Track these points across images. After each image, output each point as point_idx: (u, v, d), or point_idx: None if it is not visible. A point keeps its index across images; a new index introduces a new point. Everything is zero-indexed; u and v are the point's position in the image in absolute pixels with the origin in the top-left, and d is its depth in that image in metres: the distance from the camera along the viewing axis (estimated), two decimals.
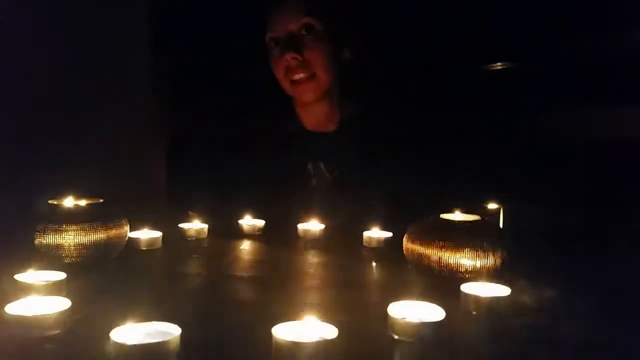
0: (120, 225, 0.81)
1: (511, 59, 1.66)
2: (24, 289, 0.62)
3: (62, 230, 0.76)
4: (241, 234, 1.06)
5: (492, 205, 1.09)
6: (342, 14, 1.28)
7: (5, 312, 0.53)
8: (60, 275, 0.66)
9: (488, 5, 1.56)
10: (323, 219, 1.05)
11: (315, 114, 1.32)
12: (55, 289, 0.63)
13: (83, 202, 0.82)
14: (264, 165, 1.27)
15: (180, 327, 0.49)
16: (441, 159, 1.35)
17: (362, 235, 0.98)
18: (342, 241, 1.01)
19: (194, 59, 1.54)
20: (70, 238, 0.76)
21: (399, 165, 1.25)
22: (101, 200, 0.84)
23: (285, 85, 1.26)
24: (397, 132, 1.30)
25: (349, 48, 1.29)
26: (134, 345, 0.46)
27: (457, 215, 0.79)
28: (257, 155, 1.29)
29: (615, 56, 1.41)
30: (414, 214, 0.81)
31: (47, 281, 0.64)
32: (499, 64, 1.70)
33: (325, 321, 0.51)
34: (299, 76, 1.22)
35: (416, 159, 1.26)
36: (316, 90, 1.25)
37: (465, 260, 0.69)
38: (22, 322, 0.52)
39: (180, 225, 1.02)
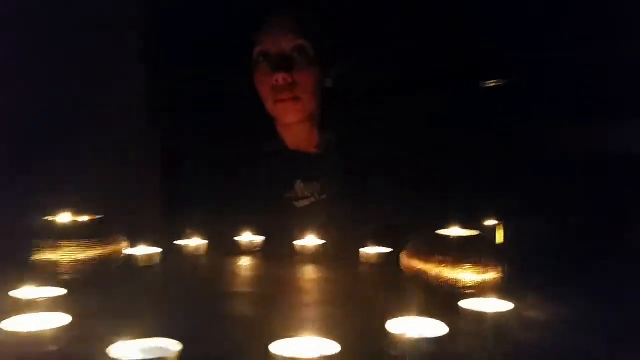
0: (118, 242, 0.81)
1: (506, 73, 1.68)
2: (20, 306, 0.62)
3: (60, 247, 0.76)
4: (239, 251, 1.05)
5: (491, 220, 1.09)
6: (331, 40, 1.28)
7: (1, 329, 0.53)
8: (58, 292, 0.65)
9: (482, 20, 1.58)
10: (318, 237, 1.05)
11: (295, 135, 1.31)
12: (52, 305, 0.63)
13: (81, 219, 0.82)
14: (253, 183, 1.26)
15: (178, 343, 0.49)
16: (435, 175, 1.35)
17: (360, 251, 0.98)
18: (339, 257, 1.01)
19: (186, 78, 1.55)
20: (67, 254, 0.75)
21: (390, 183, 1.24)
22: (99, 217, 0.83)
23: (268, 104, 1.25)
24: (385, 150, 1.30)
25: (333, 75, 1.29)
26: None
27: (455, 231, 0.79)
28: (247, 173, 1.29)
29: (618, 69, 1.41)
30: (411, 230, 0.81)
31: (44, 298, 0.64)
32: (493, 81, 1.71)
33: (325, 337, 0.50)
34: (284, 96, 1.21)
35: (408, 177, 1.26)
36: (299, 113, 1.24)
37: (464, 275, 0.69)
38: (19, 339, 0.52)
39: (178, 241, 1.01)
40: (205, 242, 1.02)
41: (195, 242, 1.01)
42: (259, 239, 1.07)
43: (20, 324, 0.54)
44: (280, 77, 1.18)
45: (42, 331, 0.52)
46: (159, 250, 0.93)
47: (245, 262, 0.99)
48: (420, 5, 1.58)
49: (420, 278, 0.73)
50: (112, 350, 0.47)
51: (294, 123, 1.26)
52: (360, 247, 0.98)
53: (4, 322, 0.54)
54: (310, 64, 1.22)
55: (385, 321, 0.55)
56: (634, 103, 1.32)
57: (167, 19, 1.52)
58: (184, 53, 1.54)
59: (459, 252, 0.70)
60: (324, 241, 1.03)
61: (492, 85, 1.71)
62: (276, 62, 1.20)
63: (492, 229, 1.03)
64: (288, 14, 1.24)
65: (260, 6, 1.33)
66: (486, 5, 1.54)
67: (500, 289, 0.69)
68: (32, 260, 0.76)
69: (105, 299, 0.74)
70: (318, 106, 1.27)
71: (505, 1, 1.53)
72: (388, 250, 0.96)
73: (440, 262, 0.70)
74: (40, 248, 0.76)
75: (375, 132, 1.33)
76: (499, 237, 1.01)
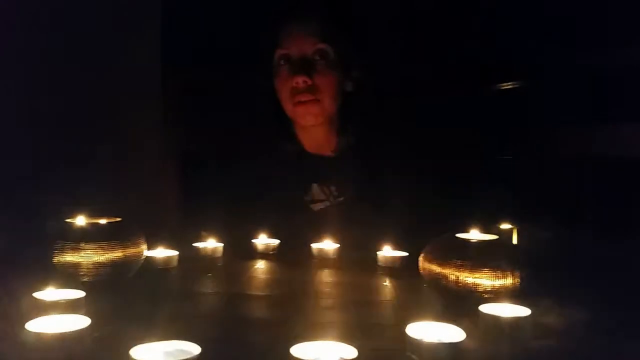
0: (138, 244, 0.82)
1: (520, 77, 1.67)
2: (43, 307, 0.63)
3: (81, 249, 0.77)
4: (255, 253, 1.06)
5: (507, 224, 1.09)
6: (351, 44, 1.27)
7: (25, 330, 0.54)
8: (79, 294, 0.66)
9: (492, 23, 1.57)
10: (334, 240, 1.05)
11: (313, 137, 1.31)
12: (74, 307, 0.64)
13: (101, 221, 0.83)
14: (269, 186, 1.27)
15: (199, 346, 0.49)
16: (449, 179, 1.34)
17: (377, 254, 0.97)
18: (356, 261, 1.01)
19: (203, 79, 1.56)
20: (88, 256, 0.76)
21: (407, 186, 1.24)
22: (119, 219, 0.84)
23: (288, 106, 1.25)
24: (401, 155, 1.29)
25: (353, 78, 1.28)
26: None
27: (474, 235, 0.78)
28: (263, 176, 1.29)
29: (628, 73, 1.40)
30: (427, 234, 0.81)
31: (65, 299, 0.65)
32: (510, 83, 1.70)
33: (344, 341, 0.51)
34: (304, 97, 1.21)
35: (423, 181, 1.25)
36: (318, 115, 1.23)
37: (483, 280, 0.69)
38: (42, 340, 0.53)
39: (195, 244, 1.02)
40: (222, 244, 1.03)
41: (212, 245, 1.02)
42: (275, 242, 1.07)
43: (44, 325, 0.55)
44: (300, 80, 1.19)
45: (65, 332, 0.53)
46: (177, 252, 0.94)
47: (261, 265, 0.99)
48: (433, 8, 1.58)
49: (439, 282, 0.72)
50: (134, 352, 0.48)
51: (313, 125, 1.27)
52: (378, 251, 0.98)
53: (28, 323, 0.55)
54: (331, 67, 1.22)
55: (403, 325, 0.55)
56: None
57: (183, 19, 1.53)
58: (200, 52, 1.55)
59: (478, 256, 0.70)
60: (340, 244, 1.03)
61: (507, 87, 1.70)
62: (297, 66, 1.20)
63: (509, 233, 1.02)
64: (310, 18, 1.24)
65: (273, 7, 1.34)
66: (492, 9, 1.54)
67: (518, 294, 0.68)
68: (55, 262, 0.77)
69: (125, 301, 0.75)
70: (337, 109, 1.27)
71: (509, 6, 1.52)
72: (406, 253, 0.96)
73: (459, 267, 0.69)
74: (61, 250, 0.77)
75: (392, 135, 1.33)
76: (515, 240, 1.00)
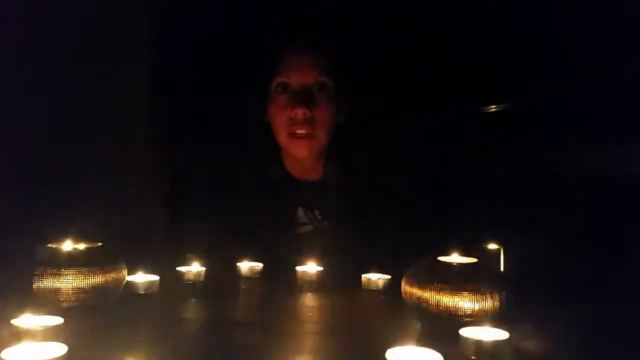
0: (119, 269, 0.81)
1: (506, 98, 1.69)
2: (21, 334, 0.62)
3: (61, 274, 0.76)
4: (239, 277, 1.05)
5: (491, 246, 1.09)
6: (348, 78, 1.28)
7: (1, 359, 0.53)
8: (58, 320, 0.66)
9: (479, 42, 1.60)
10: (318, 263, 1.05)
11: (301, 165, 1.32)
12: (52, 334, 0.63)
13: (82, 246, 0.82)
14: (254, 209, 1.26)
15: None
16: (436, 204, 1.35)
17: (361, 277, 0.98)
18: (340, 284, 1.01)
19: (192, 100, 1.56)
20: (68, 282, 0.76)
21: (391, 212, 1.24)
22: (100, 244, 0.84)
23: (281, 135, 1.25)
24: (387, 179, 1.30)
25: (344, 111, 1.29)
26: None
27: (455, 258, 0.79)
28: (249, 199, 1.29)
29: (614, 94, 1.42)
30: (412, 256, 0.81)
31: (44, 326, 0.64)
32: (493, 106, 1.73)
33: None
34: (301, 131, 1.21)
35: (409, 204, 1.26)
36: (312, 149, 1.24)
37: (464, 303, 0.69)
38: None
39: (178, 268, 1.02)
40: (205, 268, 1.02)
41: (195, 269, 1.01)
42: (259, 265, 1.07)
43: (22, 353, 0.54)
44: (300, 112, 1.19)
45: None
46: (158, 277, 0.93)
47: (245, 289, 0.99)
48: (417, 33, 1.61)
49: (420, 305, 0.73)
50: None
51: (305, 158, 1.27)
52: (362, 274, 0.98)
53: (4, 351, 0.54)
54: (329, 100, 1.23)
55: (384, 350, 0.55)
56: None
57: (174, 35, 1.53)
58: (192, 71, 1.55)
59: (458, 279, 0.71)
60: (324, 268, 1.03)
61: (493, 110, 1.72)
62: (298, 96, 1.20)
63: (493, 255, 1.03)
64: (313, 49, 1.25)
65: (270, 34, 1.36)
66: (486, 27, 1.57)
67: (498, 317, 0.69)
68: (34, 288, 0.77)
69: (105, 327, 0.74)
70: (329, 141, 1.28)
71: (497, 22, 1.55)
72: (389, 276, 0.96)
73: (439, 290, 0.70)
74: (42, 275, 0.76)
75: (378, 160, 1.34)
76: (500, 263, 1.01)
